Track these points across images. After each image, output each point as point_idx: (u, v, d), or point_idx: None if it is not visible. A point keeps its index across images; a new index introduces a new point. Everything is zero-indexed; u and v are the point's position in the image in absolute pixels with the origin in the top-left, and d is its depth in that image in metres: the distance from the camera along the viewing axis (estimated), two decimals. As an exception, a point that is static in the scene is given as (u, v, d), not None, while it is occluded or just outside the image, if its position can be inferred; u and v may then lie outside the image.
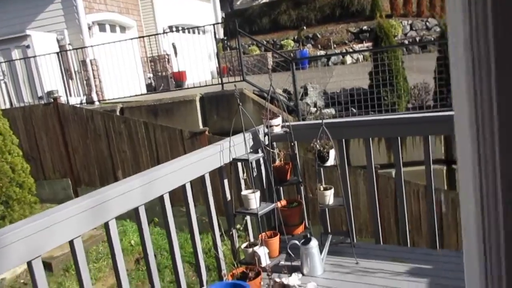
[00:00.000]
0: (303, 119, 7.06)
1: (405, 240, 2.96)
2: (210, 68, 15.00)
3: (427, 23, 19.83)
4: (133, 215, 2.14)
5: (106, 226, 1.96)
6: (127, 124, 7.17)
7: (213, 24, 8.85)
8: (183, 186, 2.47)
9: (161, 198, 2.32)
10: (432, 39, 18.64)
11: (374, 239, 3.10)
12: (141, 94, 8.83)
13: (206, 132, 6.51)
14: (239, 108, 2.87)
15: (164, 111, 7.40)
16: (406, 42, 18.25)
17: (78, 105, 8.57)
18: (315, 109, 7.37)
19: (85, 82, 10.42)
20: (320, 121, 2.92)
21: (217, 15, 17.89)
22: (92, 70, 10.41)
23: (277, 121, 3.13)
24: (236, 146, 2.96)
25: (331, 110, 7.30)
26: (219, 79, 7.68)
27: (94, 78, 10.52)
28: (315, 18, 21.99)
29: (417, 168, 6.16)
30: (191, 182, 2.50)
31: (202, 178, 2.64)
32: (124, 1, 12.35)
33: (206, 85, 8.12)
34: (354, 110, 7.07)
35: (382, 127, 2.91)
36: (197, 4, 16.09)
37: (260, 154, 2.96)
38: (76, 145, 7.74)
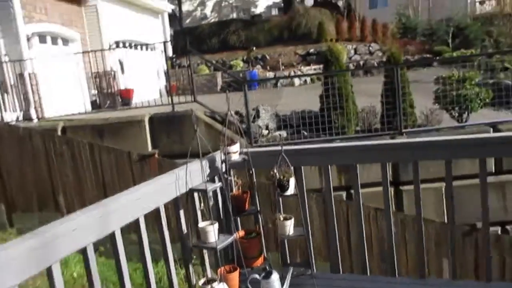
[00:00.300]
0: (255, 142, 7.01)
1: (365, 268, 2.93)
2: (158, 86, 14.68)
3: (370, 48, 20.79)
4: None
5: (49, 272, 1.73)
6: (70, 145, 6.74)
7: (164, 42, 8.65)
8: (137, 220, 2.28)
9: (112, 234, 2.11)
10: (375, 63, 19.52)
11: (328, 263, 3.04)
12: (86, 113, 8.41)
13: (156, 155, 6.27)
14: (196, 134, 2.73)
15: (111, 131, 7.06)
16: (351, 65, 18.95)
17: (14, 122, 7.98)
18: (267, 131, 7.35)
19: (22, 97, 9.76)
20: (279, 148, 2.84)
21: (166, 32, 17.64)
22: (31, 84, 9.79)
23: (235, 147, 3.01)
24: (192, 174, 2.81)
25: (283, 133, 7.32)
26: (169, 99, 7.47)
27: (33, 93, 9.89)
28: (264, 40, 22.35)
29: (366, 190, 6.29)
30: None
31: (157, 210, 2.46)
32: (68, 12, 11.83)
33: (156, 105, 7.87)
34: (306, 133, 7.13)
35: (343, 154, 2.88)
36: (145, 20, 15.78)
37: (218, 184, 2.83)
38: (11, 167, 7.15)
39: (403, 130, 6.96)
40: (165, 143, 6.94)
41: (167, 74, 8.66)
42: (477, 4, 29.36)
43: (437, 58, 18.43)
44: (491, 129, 6.72)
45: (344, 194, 7.04)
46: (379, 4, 30.75)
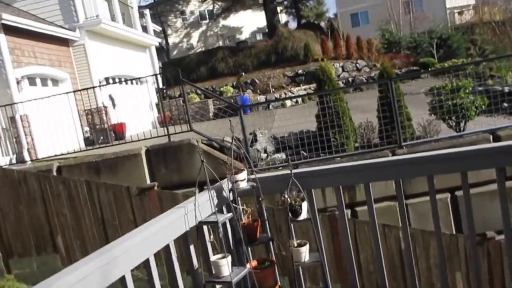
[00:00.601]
0: (255, 166, 6.91)
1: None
2: (151, 118, 14.62)
3: (357, 65, 21.03)
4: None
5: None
6: (66, 185, 6.59)
7: (155, 75, 8.63)
8: (147, 260, 2.14)
9: (122, 278, 1.97)
10: (364, 78, 19.70)
11: (339, 284, 2.90)
12: (80, 151, 8.26)
13: (155, 187, 6.13)
14: (203, 165, 2.63)
15: (107, 167, 6.93)
16: (341, 83, 19.08)
17: (8, 166, 7.82)
18: (266, 155, 7.27)
19: (14, 140, 9.63)
20: (288, 171, 2.75)
21: (154, 64, 17.73)
22: (23, 126, 9.68)
23: (243, 175, 2.91)
24: (201, 206, 2.69)
25: (282, 155, 7.24)
26: (164, 130, 7.39)
27: (26, 135, 9.77)
28: (252, 64, 22.56)
29: (381, 204, 6.18)
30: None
31: (166, 247, 2.33)
32: (56, 53, 11.84)
33: (151, 137, 7.77)
34: (305, 154, 7.05)
35: (355, 173, 2.78)
36: (133, 55, 15.85)
37: (229, 215, 2.71)
38: (6, 212, 6.96)
39: (403, 144, 6.90)
40: (163, 174, 6.81)
41: (159, 105, 8.60)
42: (456, 14, 30.06)
43: (430, 69, 18.63)
44: (491, 136, 6.69)
45: (348, 212, 6.92)
46: (361, 22, 31.40)
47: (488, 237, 5.61)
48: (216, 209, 2.73)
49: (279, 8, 30.11)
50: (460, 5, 30.25)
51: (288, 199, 2.75)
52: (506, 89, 10.94)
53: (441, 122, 7.79)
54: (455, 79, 9.10)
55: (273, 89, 19.59)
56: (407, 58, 21.46)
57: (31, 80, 10.82)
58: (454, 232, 6.67)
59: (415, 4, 28.18)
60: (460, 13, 30.21)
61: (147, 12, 18.95)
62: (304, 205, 2.75)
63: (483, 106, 7.52)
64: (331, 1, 35.85)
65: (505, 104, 9.87)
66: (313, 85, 17.46)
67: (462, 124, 7.61)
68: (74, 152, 8.10)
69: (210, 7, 31.11)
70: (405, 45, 23.17)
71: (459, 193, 6.65)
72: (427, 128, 7.45)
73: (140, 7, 22.15)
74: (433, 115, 7.88)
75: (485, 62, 16.72)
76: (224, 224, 2.88)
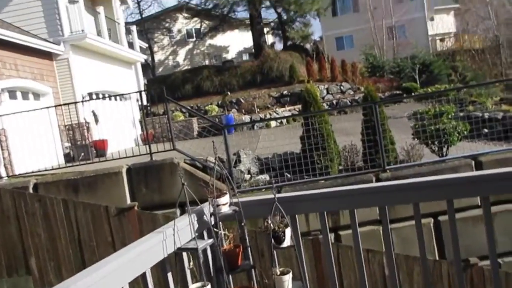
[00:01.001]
0: (238, 187, 6.81)
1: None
2: (134, 135, 14.43)
3: (341, 87, 21.28)
4: None
5: None
6: (42, 203, 6.35)
7: (139, 92, 8.54)
8: (121, 290, 2.02)
9: (93, 310, 1.85)
10: (348, 101, 19.92)
11: None
12: (59, 167, 8.04)
13: (135, 208, 5.96)
14: (183, 188, 2.53)
15: (86, 185, 6.73)
16: (325, 105, 19.23)
17: (-18, 182, 7.54)
18: (249, 176, 7.18)
19: (-10, 154, 9.35)
20: (272, 196, 2.67)
21: (139, 81, 17.63)
22: (0, 141, 9.42)
23: (225, 199, 2.82)
24: (180, 231, 2.58)
25: (266, 177, 7.16)
26: (147, 148, 7.26)
27: (2, 149, 9.49)
28: (238, 84, 22.63)
29: (364, 228, 6.11)
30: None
31: (143, 275, 2.21)
32: (39, 67, 11.65)
33: (133, 155, 7.61)
34: (289, 175, 6.99)
35: (341, 199, 2.72)
36: (118, 71, 15.74)
37: (210, 241, 2.61)
38: (-22, 230, 6.66)
39: (386, 167, 6.91)
40: (144, 193, 6.65)
41: (143, 122, 8.46)
42: (438, 41, 30.90)
43: (413, 94, 18.96)
44: (473, 162, 6.76)
45: (332, 236, 6.84)
46: (346, 45, 31.97)
47: (471, 263, 5.59)
48: (197, 234, 2.62)
49: (266, 29, 30.48)
50: (441, 32, 31.15)
51: (271, 225, 2.66)
52: (486, 115, 11.17)
53: (424, 146, 7.85)
54: (438, 104, 9.23)
55: (258, 109, 19.63)
56: (390, 82, 21.84)
57: (12, 93, 10.59)
58: (437, 258, 6.64)
59: (398, 30, 28.85)
60: (442, 40, 31.08)
61: (133, 28, 18.94)
62: (288, 231, 2.67)
63: (465, 132, 7.62)
64: (317, 24, 36.48)
65: (486, 130, 10.05)
66: (298, 106, 17.56)
67: (444, 149, 7.68)
68: (53, 168, 7.88)
69: (198, 26, 31.30)
70: (388, 69, 23.61)
71: (442, 218, 6.66)
72: (411, 152, 7.49)
73: (127, 23, 22.14)
74: (416, 139, 7.94)
75: (466, 88, 17.11)
76: (204, 250, 2.77)
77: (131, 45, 17.66)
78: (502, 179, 2.53)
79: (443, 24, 31.59)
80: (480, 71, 22.42)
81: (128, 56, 16.31)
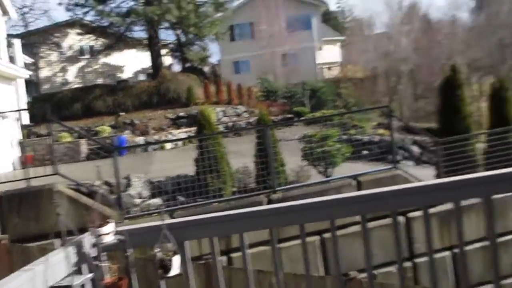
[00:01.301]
0: (127, 213, 6.50)
1: None
2: (11, 158, 13.04)
3: (237, 110, 21.79)
4: None
5: None
6: None
7: (18, 110, 7.78)
8: None
9: None
10: (243, 124, 20.44)
11: None
12: None
13: (6, 241, 5.30)
14: (59, 219, 2.34)
15: None
16: (221, 127, 19.47)
17: None
18: (140, 200, 6.91)
19: None
20: (161, 222, 2.59)
21: (21, 99, 16.09)
22: None
23: (109, 228, 2.65)
24: (55, 266, 2.36)
25: (157, 201, 6.95)
26: (24, 172, 6.59)
27: None
28: (133, 104, 21.88)
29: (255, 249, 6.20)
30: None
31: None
32: None
33: (7, 181, 6.83)
34: (182, 198, 6.88)
35: (230, 224, 2.73)
36: (-5, 87, 14.21)
37: (88, 276, 2.42)
38: None
39: (277, 188, 7.17)
40: (16, 223, 5.94)
41: (22, 144, 7.70)
42: (325, 69, 33.56)
43: (302, 118, 20.08)
44: (354, 181, 7.34)
45: (224, 258, 6.83)
46: (242, 70, 33.01)
47: (351, 277, 5.97)
48: (74, 268, 2.43)
49: (164, 50, 30.11)
50: (329, 61, 33.95)
51: (159, 254, 2.57)
52: (366, 138, 12.30)
53: (312, 167, 8.33)
54: (324, 128, 9.91)
55: (153, 131, 19.16)
56: (283, 106, 22.99)
57: None
58: (324, 273, 7.00)
59: (291, 57, 30.63)
60: (329, 69, 33.83)
61: (16, 41, 17.39)
62: (176, 259, 2.60)
63: (348, 154, 8.28)
64: (215, 48, 37.10)
65: (365, 152, 11.06)
66: (194, 128, 17.51)
67: (329, 170, 8.24)
68: None
69: (92, 43, 29.70)
70: (281, 94, 24.86)
71: (326, 235, 7.07)
72: (299, 173, 7.89)
73: (9, 35, 20.18)
74: (305, 161, 8.41)
75: (348, 114, 18.68)
76: (82, 287, 2.57)
77: (12, 59, 16.14)
78: (375, 199, 2.78)
79: (330, 54, 34.45)
80: (361, 98, 24.74)
81: (7, 72, 14.84)
